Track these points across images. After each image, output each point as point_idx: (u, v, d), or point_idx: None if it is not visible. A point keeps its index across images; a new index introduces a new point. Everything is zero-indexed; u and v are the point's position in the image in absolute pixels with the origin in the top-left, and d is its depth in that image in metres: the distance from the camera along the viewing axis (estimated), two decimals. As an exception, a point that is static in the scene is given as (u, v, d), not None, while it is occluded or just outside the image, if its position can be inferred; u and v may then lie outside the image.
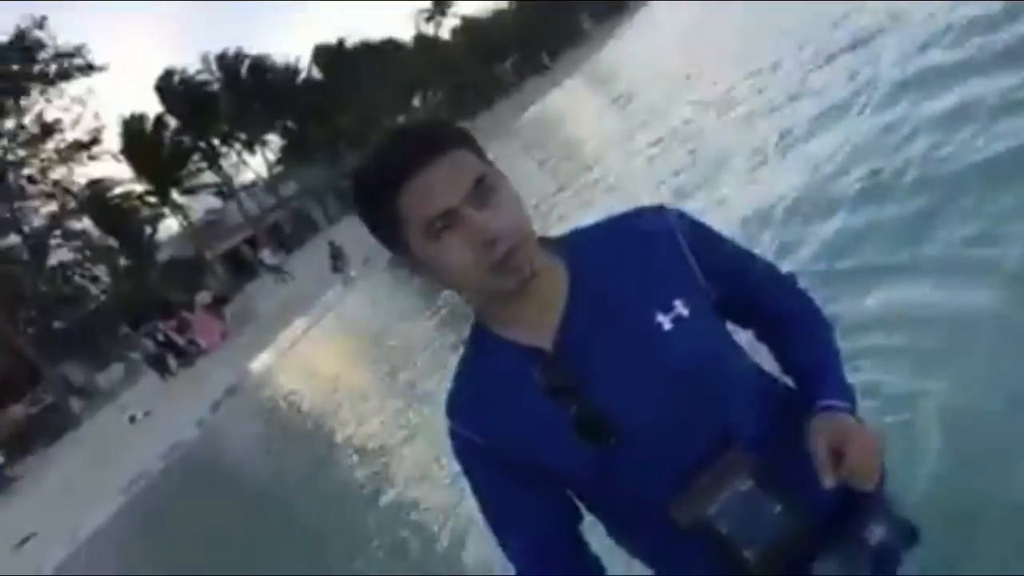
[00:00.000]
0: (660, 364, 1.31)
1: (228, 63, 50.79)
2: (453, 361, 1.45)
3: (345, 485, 6.48)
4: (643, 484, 1.32)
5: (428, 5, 65.45)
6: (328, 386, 11.33)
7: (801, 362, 1.46)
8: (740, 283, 1.43)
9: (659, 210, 1.42)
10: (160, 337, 21.99)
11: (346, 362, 13.08)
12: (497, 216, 1.23)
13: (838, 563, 1.37)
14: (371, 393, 9.01)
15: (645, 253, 1.37)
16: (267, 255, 32.07)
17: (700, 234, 1.42)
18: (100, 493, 14.43)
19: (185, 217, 46.08)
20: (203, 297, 25.06)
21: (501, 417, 1.35)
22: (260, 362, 18.08)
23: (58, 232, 35.10)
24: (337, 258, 22.62)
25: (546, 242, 1.38)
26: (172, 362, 21.93)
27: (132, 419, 18.54)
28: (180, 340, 22.12)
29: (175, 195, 45.28)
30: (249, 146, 51.22)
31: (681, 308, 1.33)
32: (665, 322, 1.32)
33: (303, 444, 9.08)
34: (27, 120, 35.36)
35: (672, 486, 1.30)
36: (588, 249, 1.39)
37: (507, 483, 1.39)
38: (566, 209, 9.76)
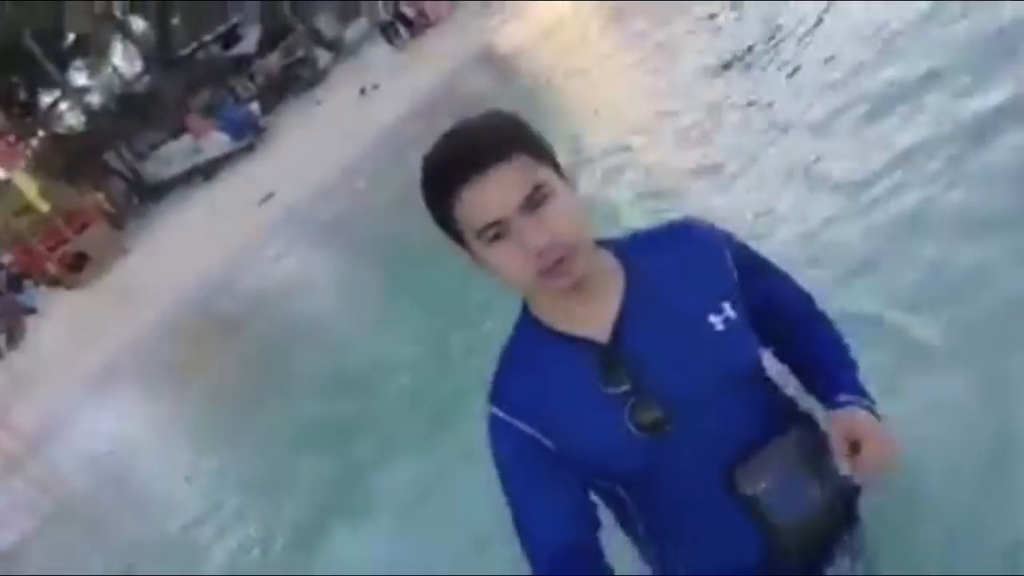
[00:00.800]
0: (714, 362, 1.38)
1: None
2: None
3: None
4: (687, 476, 1.37)
5: None
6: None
7: (823, 359, 1.52)
8: (776, 306, 1.52)
9: (710, 226, 1.50)
10: (390, 9, 22.11)
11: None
12: (548, 226, 1.24)
13: (848, 563, 1.46)
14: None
15: (695, 259, 1.44)
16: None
17: (745, 253, 1.50)
18: (335, 155, 15.03)
19: None
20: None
21: (551, 405, 1.36)
22: (491, 33, 17.54)
23: None
24: None
25: (603, 242, 1.43)
26: (403, 32, 22.15)
27: (362, 91, 19.16)
28: (409, 11, 22.11)
29: None
30: None
31: (729, 311, 1.41)
32: (718, 323, 1.40)
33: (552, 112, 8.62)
34: None
35: (714, 480, 1.37)
36: (642, 251, 1.45)
37: (544, 478, 1.37)
38: None
